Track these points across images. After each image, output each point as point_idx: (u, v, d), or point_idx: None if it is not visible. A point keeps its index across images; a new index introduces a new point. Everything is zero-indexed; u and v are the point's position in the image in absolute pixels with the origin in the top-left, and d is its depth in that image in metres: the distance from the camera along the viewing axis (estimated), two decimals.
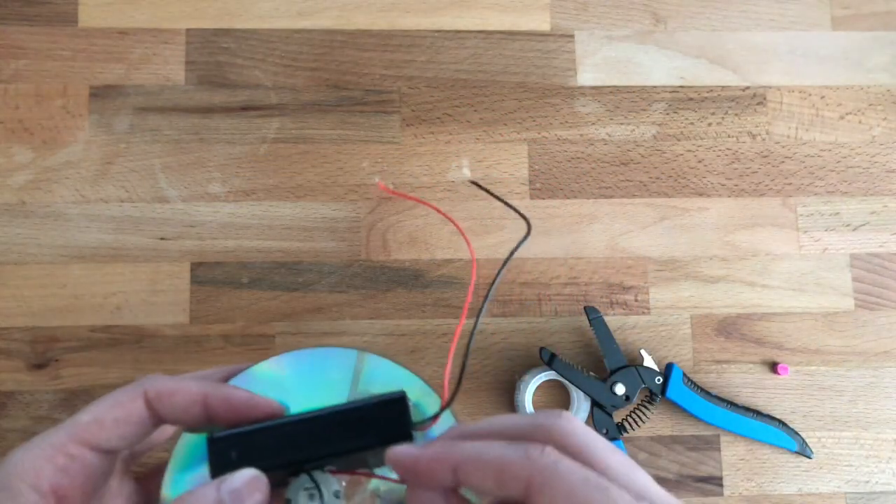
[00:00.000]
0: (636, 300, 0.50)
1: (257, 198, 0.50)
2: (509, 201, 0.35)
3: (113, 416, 0.27)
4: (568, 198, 0.51)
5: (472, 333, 0.30)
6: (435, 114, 0.51)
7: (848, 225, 0.52)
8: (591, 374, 0.47)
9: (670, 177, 0.51)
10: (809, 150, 0.52)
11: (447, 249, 0.50)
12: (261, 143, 0.50)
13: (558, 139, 0.51)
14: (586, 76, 0.52)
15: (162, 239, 0.49)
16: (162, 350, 0.48)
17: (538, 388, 0.48)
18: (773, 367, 0.50)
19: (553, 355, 0.47)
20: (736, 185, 0.52)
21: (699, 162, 0.52)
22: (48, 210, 0.49)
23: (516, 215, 0.51)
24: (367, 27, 0.52)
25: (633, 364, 0.47)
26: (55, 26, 0.51)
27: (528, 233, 0.30)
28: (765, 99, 0.53)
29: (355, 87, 0.51)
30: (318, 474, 0.27)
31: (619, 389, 0.47)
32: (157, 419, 0.27)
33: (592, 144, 0.51)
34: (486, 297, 0.29)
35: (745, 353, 0.50)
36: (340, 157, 0.50)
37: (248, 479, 0.25)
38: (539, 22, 0.53)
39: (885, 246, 0.51)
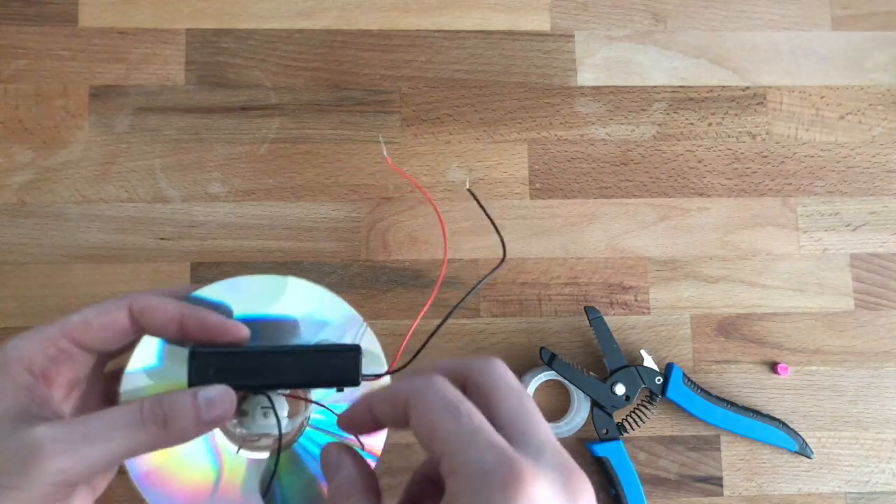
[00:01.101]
0: (636, 300, 0.50)
1: (257, 198, 0.50)
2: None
3: (100, 321, 0.30)
4: (568, 198, 0.51)
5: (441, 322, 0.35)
6: (435, 114, 0.51)
7: (848, 225, 0.52)
8: (591, 374, 0.47)
9: (670, 177, 0.51)
10: (809, 150, 0.52)
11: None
12: (261, 143, 0.50)
13: (558, 139, 0.51)
14: (586, 76, 0.52)
15: (162, 239, 0.49)
16: None
17: (538, 387, 0.48)
18: (773, 367, 0.50)
19: (553, 355, 0.47)
20: (736, 185, 0.52)
21: (699, 162, 0.52)
22: (48, 210, 0.49)
23: (516, 215, 0.51)
24: (367, 27, 0.52)
25: (633, 364, 0.47)
26: (55, 26, 0.51)
27: (502, 260, 0.36)
28: (765, 99, 0.53)
29: (355, 87, 0.51)
30: (273, 395, 0.33)
31: (620, 389, 0.47)
32: (139, 330, 0.31)
33: (592, 144, 0.51)
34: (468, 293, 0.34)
35: (745, 353, 0.50)
36: (340, 157, 0.50)
37: (221, 392, 0.29)
38: (539, 22, 0.53)
39: (885, 246, 0.51)
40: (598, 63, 0.53)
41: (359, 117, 0.51)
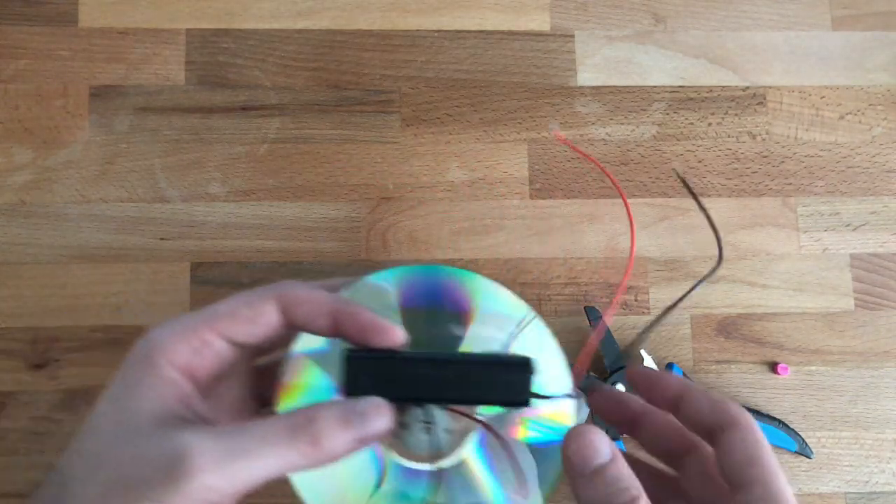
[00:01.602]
0: (636, 300, 0.50)
1: (257, 198, 0.50)
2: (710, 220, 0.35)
3: (247, 313, 0.28)
4: (568, 198, 0.51)
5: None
6: (435, 114, 0.51)
7: (848, 225, 0.52)
8: (592, 374, 0.47)
9: (670, 177, 0.51)
10: (809, 150, 0.52)
11: (447, 249, 0.50)
12: (261, 143, 0.50)
13: (558, 139, 0.51)
14: (586, 76, 0.52)
15: (162, 239, 0.49)
16: None
17: None
18: (773, 367, 0.50)
19: None
20: (736, 185, 0.52)
21: (699, 162, 0.52)
22: (48, 210, 0.49)
23: (516, 215, 0.51)
24: (367, 27, 0.52)
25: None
26: (55, 26, 0.51)
27: (718, 264, 0.32)
28: (765, 99, 0.53)
29: (355, 87, 0.51)
30: (434, 409, 0.30)
31: (620, 389, 0.47)
32: (287, 324, 0.29)
33: (592, 144, 0.51)
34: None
35: (745, 353, 0.50)
36: (340, 157, 0.50)
37: (377, 406, 0.27)
38: (539, 22, 0.53)
39: (885, 246, 0.51)
40: (598, 63, 0.53)
41: (359, 117, 0.51)
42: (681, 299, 0.33)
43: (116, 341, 0.48)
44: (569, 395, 0.31)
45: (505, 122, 0.51)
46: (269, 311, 0.28)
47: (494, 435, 0.31)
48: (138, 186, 0.49)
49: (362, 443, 0.26)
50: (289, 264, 0.49)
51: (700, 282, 0.32)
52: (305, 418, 0.26)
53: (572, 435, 0.28)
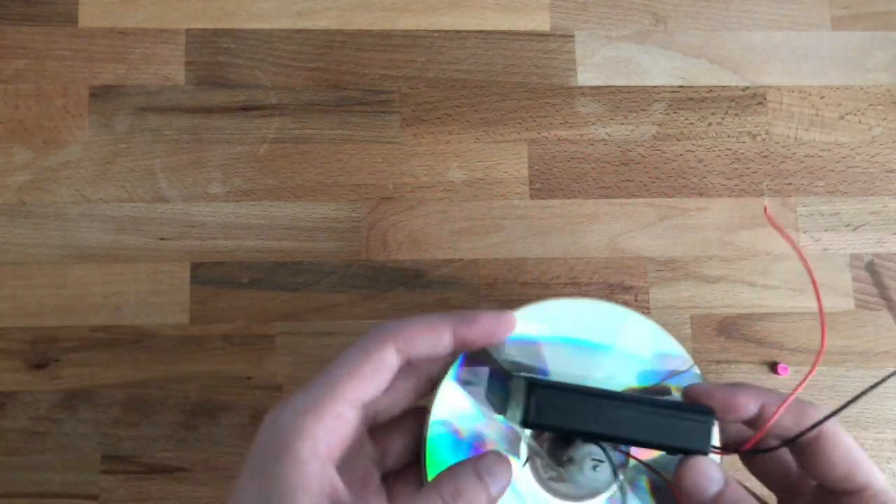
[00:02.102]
0: (636, 300, 0.50)
1: (257, 198, 0.50)
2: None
3: (369, 368, 0.27)
4: (568, 198, 0.51)
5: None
6: (435, 114, 0.51)
7: (848, 225, 0.52)
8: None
9: (670, 177, 0.51)
10: (809, 150, 0.52)
11: (447, 249, 0.50)
12: (261, 143, 0.50)
13: (558, 139, 0.51)
14: (586, 76, 0.52)
15: (162, 239, 0.49)
16: (162, 350, 0.48)
17: None
18: (773, 367, 0.50)
19: None
20: (736, 185, 0.52)
21: (699, 162, 0.52)
22: (48, 210, 0.49)
23: (516, 215, 0.51)
24: (367, 27, 0.52)
25: None
26: (55, 26, 0.51)
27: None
28: (765, 99, 0.53)
29: (355, 87, 0.51)
30: (608, 448, 0.29)
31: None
32: (406, 363, 0.28)
33: (592, 144, 0.51)
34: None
35: (745, 353, 0.50)
36: (340, 157, 0.50)
37: (500, 462, 0.27)
38: (539, 22, 0.53)
39: (885, 246, 0.51)
40: (598, 63, 0.53)
41: (359, 117, 0.51)
42: (868, 390, 0.31)
43: (116, 341, 0.48)
44: (743, 452, 0.31)
45: (505, 122, 0.51)
46: (389, 358, 0.27)
47: (661, 478, 0.30)
48: (138, 186, 0.49)
49: (496, 501, 0.27)
50: (289, 264, 0.49)
51: (869, 389, 0.31)
52: (455, 491, 0.26)
53: (685, 467, 0.29)
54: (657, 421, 0.28)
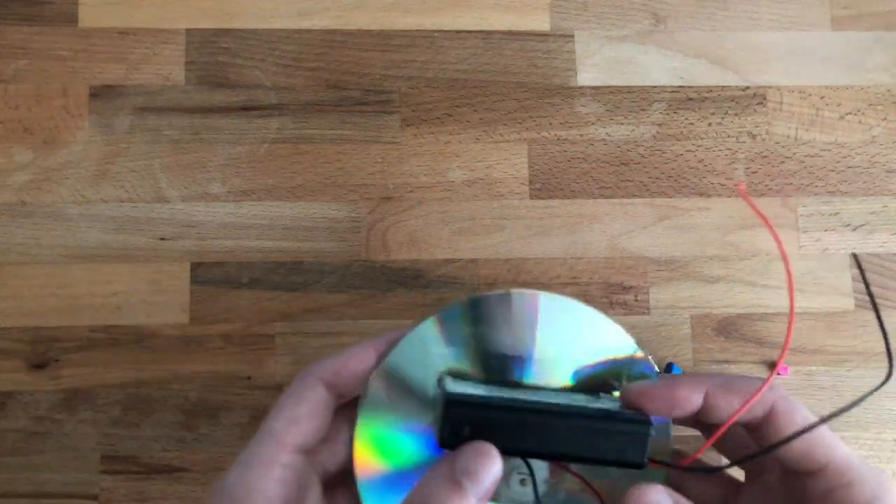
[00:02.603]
0: (636, 300, 0.50)
1: (257, 198, 0.50)
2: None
3: (303, 412, 0.27)
4: (568, 198, 0.51)
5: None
6: (435, 114, 0.51)
7: (848, 225, 0.52)
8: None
9: (670, 177, 0.51)
10: (809, 150, 0.52)
11: (447, 249, 0.50)
12: (261, 143, 0.50)
13: (558, 139, 0.51)
14: (586, 76, 0.52)
15: (162, 239, 0.49)
16: (162, 350, 0.48)
17: None
18: (773, 367, 0.50)
19: None
20: (736, 185, 0.51)
21: (699, 162, 0.52)
22: (48, 210, 0.49)
23: (516, 215, 0.51)
24: (367, 27, 0.52)
25: None
26: (55, 26, 0.51)
27: (888, 378, 0.28)
28: (765, 99, 0.53)
29: (355, 87, 0.51)
30: (533, 461, 0.27)
31: None
32: (338, 398, 0.29)
33: (592, 144, 0.51)
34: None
35: (745, 353, 0.50)
36: (340, 157, 0.50)
37: (481, 457, 0.25)
38: (539, 22, 0.53)
39: (885, 246, 0.51)
40: (598, 63, 0.53)
41: (359, 117, 0.51)
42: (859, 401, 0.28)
43: (116, 341, 0.48)
44: (690, 469, 0.28)
45: (505, 122, 0.51)
46: (321, 397, 0.28)
47: (592, 491, 0.29)
48: (138, 186, 0.49)
49: (483, 500, 0.24)
50: (289, 264, 0.49)
51: (868, 395, 0.29)
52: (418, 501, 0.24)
53: (632, 497, 0.26)
54: (589, 433, 0.26)
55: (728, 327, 0.50)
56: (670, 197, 0.51)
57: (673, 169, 0.52)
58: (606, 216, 0.51)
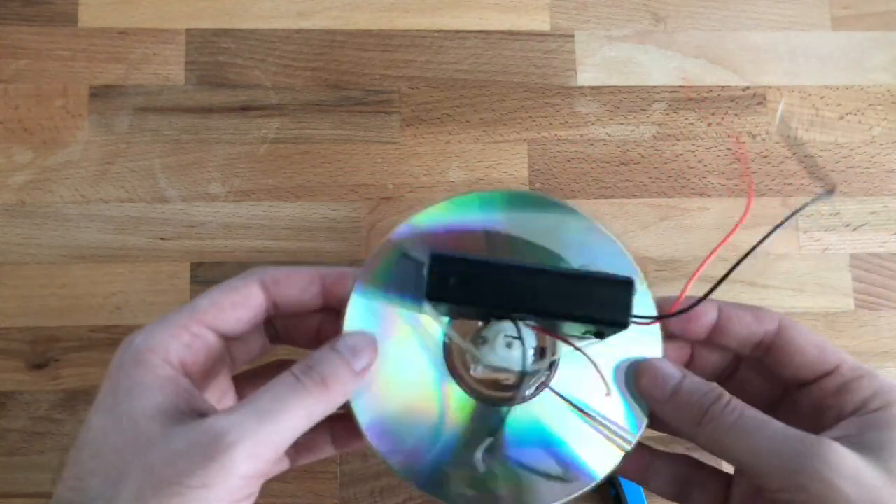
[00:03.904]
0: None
1: (257, 198, 0.50)
2: None
3: (230, 300, 0.28)
4: (568, 198, 0.51)
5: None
6: (435, 114, 0.51)
7: (848, 225, 0.52)
8: None
9: (670, 177, 0.51)
10: (809, 150, 0.52)
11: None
12: (261, 143, 0.50)
13: (558, 139, 0.51)
14: (586, 76, 0.52)
15: (162, 239, 0.49)
16: None
17: None
18: None
19: None
20: (736, 185, 0.52)
21: (699, 162, 0.52)
22: (48, 210, 0.49)
23: None
24: (367, 27, 0.52)
25: None
26: (55, 26, 0.51)
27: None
28: (765, 99, 0.53)
29: (355, 87, 0.51)
30: (521, 326, 0.27)
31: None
32: (272, 304, 0.29)
33: (592, 144, 0.51)
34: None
35: None
36: (340, 157, 0.50)
37: (362, 336, 0.27)
38: (539, 22, 0.53)
39: (885, 246, 0.51)
40: (598, 63, 0.53)
41: (359, 117, 0.51)
42: (771, 233, 0.31)
43: (116, 341, 0.47)
44: (668, 316, 0.28)
45: (505, 122, 0.51)
46: (254, 294, 0.29)
47: (586, 356, 0.28)
48: (138, 186, 0.49)
49: (361, 375, 0.27)
50: (289, 264, 0.49)
51: (804, 206, 0.31)
52: (306, 365, 0.26)
53: (640, 372, 0.28)
54: (573, 291, 0.26)
55: None
56: (670, 197, 0.51)
57: (673, 169, 0.52)
58: (606, 216, 0.51)
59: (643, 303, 0.29)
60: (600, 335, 0.28)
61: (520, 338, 0.27)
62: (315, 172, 0.50)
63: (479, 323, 0.29)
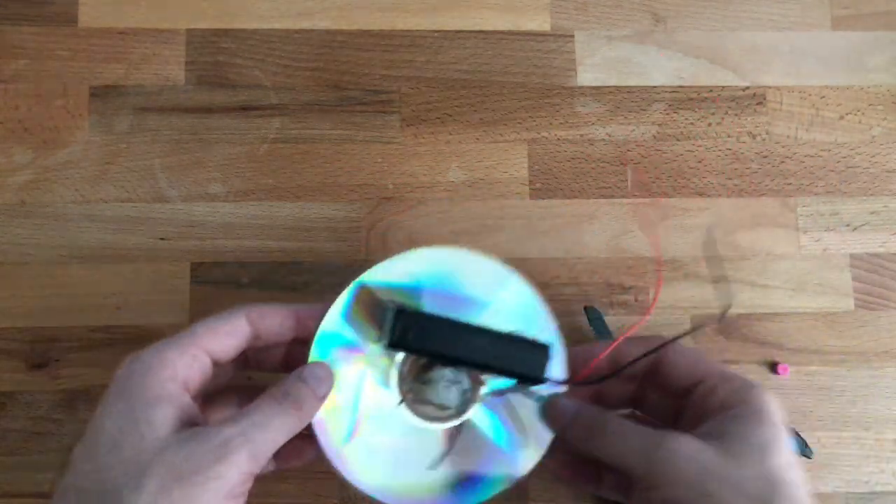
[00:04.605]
0: (636, 300, 0.50)
1: (257, 198, 0.50)
2: None
3: (224, 329, 0.33)
4: (568, 198, 0.51)
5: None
6: (435, 114, 0.51)
7: (848, 225, 0.52)
8: None
9: (670, 177, 0.51)
10: (809, 150, 0.52)
11: None
12: (261, 143, 0.50)
13: (558, 139, 0.51)
14: (586, 76, 0.52)
15: (162, 239, 0.49)
16: None
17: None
18: (773, 367, 0.50)
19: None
20: (736, 185, 0.52)
21: (699, 162, 0.52)
22: (48, 210, 0.49)
23: (516, 215, 0.51)
24: (367, 27, 0.52)
25: None
26: (55, 26, 0.51)
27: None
28: (765, 99, 0.53)
29: (355, 87, 0.51)
30: (459, 371, 0.34)
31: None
32: (255, 335, 0.34)
33: (592, 144, 0.51)
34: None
35: (746, 353, 0.50)
36: (340, 157, 0.50)
37: (325, 369, 0.34)
38: (539, 22, 0.53)
39: (885, 246, 0.51)
40: (598, 63, 0.53)
41: (359, 117, 0.51)
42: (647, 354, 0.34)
43: (116, 341, 0.48)
44: (572, 383, 0.35)
45: (505, 122, 0.51)
46: (241, 325, 0.34)
47: (502, 398, 0.35)
48: (138, 186, 0.49)
49: (322, 401, 0.33)
50: (289, 264, 0.49)
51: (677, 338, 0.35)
52: (285, 392, 0.32)
53: (547, 407, 0.35)
54: (504, 350, 0.33)
55: (728, 327, 0.50)
56: (670, 197, 0.51)
57: (673, 169, 0.52)
58: (606, 216, 0.51)
59: (559, 359, 0.36)
60: (524, 384, 0.34)
61: (458, 382, 0.34)
62: (315, 172, 0.50)
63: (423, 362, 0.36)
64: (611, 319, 0.49)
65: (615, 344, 0.34)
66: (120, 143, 0.50)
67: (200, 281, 0.48)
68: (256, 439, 0.30)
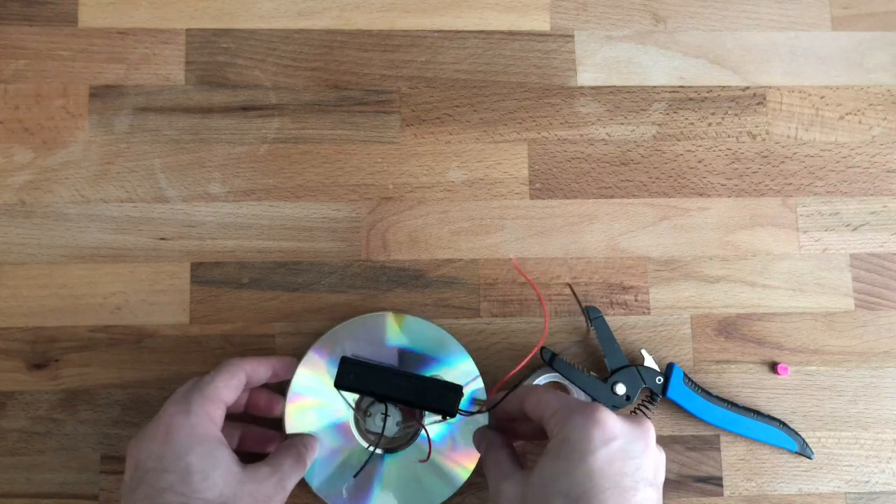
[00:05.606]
0: (636, 300, 0.50)
1: (257, 198, 0.50)
2: None
3: (233, 383, 0.42)
4: (568, 198, 0.51)
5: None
6: (435, 114, 0.51)
7: (848, 225, 0.52)
8: (592, 373, 0.47)
9: (670, 177, 0.51)
10: (809, 150, 0.52)
11: (447, 249, 0.50)
12: (261, 143, 0.50)
13: (558, 139, 0.51)
14: (586, 76, 0.52)
15: (162, 239, 0.49)
16: (162, 350, 0.48)
17: None
18: (773, 367, 0.50)
19: (554, 355, 0.47)
20: (736, 185, 0.52)
21: (699, 162, 0.52)
22: (48, 210, 0.49)
23: (516, 215, 0.51)
24: (367, 27, 0.52)
25: (633, 364, 0.47)
26: (55, 26, 0.51)
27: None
28: (765, 99, 0.53)
29: (355, 87, 0.51)
30: (391, 407, 0.45)
31: (620, 389, 0.47)
32: (248, 384, 0.43)
33: (592, 144, 0.51)
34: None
35: (745, 353, 0.50)
36: (340, 157, 0.50)
37: (314, 438, 0.45)
38: (539, 22, 0.53)
39: (885, 246, 0.51)
40: (598, 63, 0.53)
41: (359, 117, 0.51)
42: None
43: (116, 341, 0.48)
44: (481, 412, 0.45)
45: (505, 122, 0.51)
46: (242, 378, 0.42)
47: (424, 430, 0.45)
48: (138, 186, 0.49)
49: (312, 460, 0.45)
50: (289, 264, 0.49)
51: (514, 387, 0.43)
52: (298, 452, 0.43)
53: (474, 438, 0.45)
54: (425, 390, 0.42)
55: (728, 327, 0.50)
56: (670, 197, 0.51)
57: (673, 169, 0.52)
58: (606, 216, 0.51)
59: (475, 395, 0.47)
60: (443, 417, 0.43)
61: (388, 415, 0.45)
62: (315, 172, 0.50)
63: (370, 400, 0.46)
64: (611, 319, 0.49)
65: (504, 396, 0.43)
66: (120, 143, 0.50)
67: (200, 281, 0.48)
68: (292, 479, 0.42)
